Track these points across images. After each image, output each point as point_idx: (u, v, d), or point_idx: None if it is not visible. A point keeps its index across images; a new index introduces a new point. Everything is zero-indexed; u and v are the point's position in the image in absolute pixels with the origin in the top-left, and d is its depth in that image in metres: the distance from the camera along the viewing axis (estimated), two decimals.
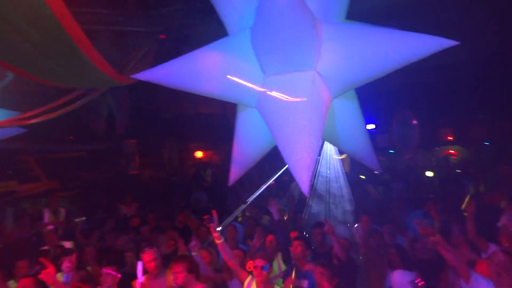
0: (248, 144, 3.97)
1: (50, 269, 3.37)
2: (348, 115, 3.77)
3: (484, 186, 8.14)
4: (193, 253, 4.30)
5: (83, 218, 7.48)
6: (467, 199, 4.91)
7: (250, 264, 3.90)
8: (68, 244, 5.72)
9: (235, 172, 4.24)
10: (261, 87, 3.34)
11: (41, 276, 3.43)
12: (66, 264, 4.25)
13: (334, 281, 3.62)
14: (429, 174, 12.44)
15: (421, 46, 3.02)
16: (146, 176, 13.64)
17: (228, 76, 3.31)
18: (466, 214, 4.55)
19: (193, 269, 3.65)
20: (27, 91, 7.34)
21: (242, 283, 4.09)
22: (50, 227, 7.71)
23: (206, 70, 3.32)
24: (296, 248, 4.33)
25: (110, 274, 3.99)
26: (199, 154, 15.28)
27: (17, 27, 2.60)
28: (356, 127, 3.87)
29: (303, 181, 2.89)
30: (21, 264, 4.82)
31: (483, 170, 9.59)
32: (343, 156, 15.20)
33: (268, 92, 3.25)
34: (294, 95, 3.15)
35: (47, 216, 7.77)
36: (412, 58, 3.08)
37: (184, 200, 9.41)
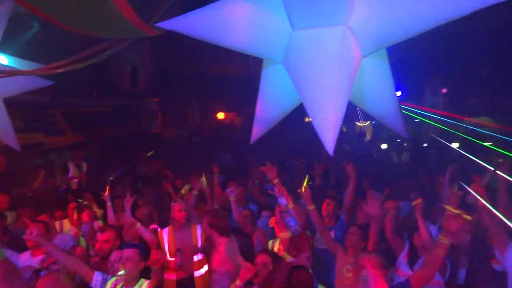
0: (272, 101, 3.89)
1: (33, 228, 3.45)
2: (378, 75, 3.61)
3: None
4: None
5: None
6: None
7: (272, 220, 4.21)
8: None
9: (257, 131, 4.19)
10: (289, 41, 3.22)
11: (25, 237, 3.51)
12: (85, 216, 4.44)
13: (363, 243, 3.69)
14: (455, 145, 12.15)
15: (464, 1, 2.80)
16: (168, 136, 13.80)
17: (255, 29, 3.20)
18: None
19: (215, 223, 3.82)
20: (51, 44, 7.39)
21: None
22: (75, 180, 8.02)
23: (232, 21, 3.20)
24: (328, 206, 4.51)
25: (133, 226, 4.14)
26: (221, 115, 15.29)
27: None
28: (385, 89, 3.71)
29: (328, 140, 2.82)
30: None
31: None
32: (366, 123, 14.99)
33: (296, 47, 3.14)
34: (323, 50, 3.03)
35: (72, 169, 8.05)
36: (453, 15, 2.87)
37: (206, 160, 9.49)
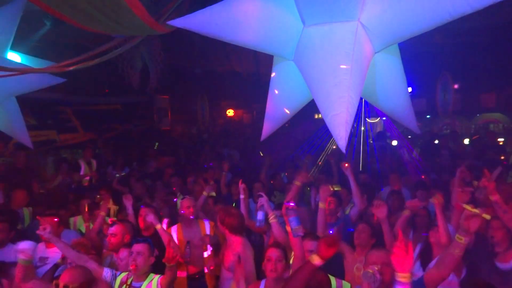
0: (282, 99, 3.88)
1: (46, 225, 3.49)
2: (390, 71, 3.58)
3: None
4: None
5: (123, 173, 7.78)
6: None
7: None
8: None
9: (267, 128, 4.19)
10: (301, 38, 3.20)
11: (38, 232, 3.54)
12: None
13: (372, 241, 3.62)
14: (466, 141, 12.00)
15: None
16: (177, 132, 13.87)
17: (266, 26, 3.19)
18: None
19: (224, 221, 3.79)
20: (63, 42, 7.46)
21: None
22: (87, 177, 8.08)
23: (243, 19, 3.20)
24: (330, 204, 4.44)
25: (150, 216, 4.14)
26: (230, 112, 15.32)
27: None
28: (397, 84, 3.68)
29: (340, 137, 2.80)
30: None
31: None
32: (376, 120, 14.89)
33: (308, 44, 3.12)
34: (335, 47, 3.01)
35: (83, 167, 8.11)
36: (466, 10, 2.83)
37: (215, 156, 9.50)
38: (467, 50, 10.15)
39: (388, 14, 3.02)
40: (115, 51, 4.36)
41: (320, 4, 3.00)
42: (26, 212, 5.50)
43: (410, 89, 11.72)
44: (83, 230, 5.09)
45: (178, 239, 4.27)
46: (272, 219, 3.62)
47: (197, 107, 14.02)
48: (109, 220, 4.73)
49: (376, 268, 2.61)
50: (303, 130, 12.11)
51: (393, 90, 3.68)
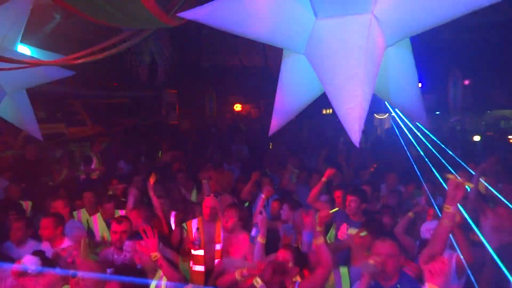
0: (292, 93, 3.82)
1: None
2: (402, 65, 3.50)
3: None
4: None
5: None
6: None
7: None
8: None
9: (276, 122, 4.14)
10: (312, 30, 3.15)
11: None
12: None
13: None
14: (477, 138, 11.84)
15: None
16: (185, 127, 13.88)
17: (277, 18, 3.14)
18: None
19: (243, 218, 3.82)
20: (72, 36, 7.46)
21: None
22: (96, 171, 8.10)
23: (254, 11, 3.15)
24: (351, 202, 4.37)
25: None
26: (237, 107, 15.28)
27: None
28: (408, 79, 3.60)
29: (354, 131, 2.78)
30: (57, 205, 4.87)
31: None
32: (385, 116, 14.74)
33: (320, 37, 3.07)
34: (348, 40, 2.96)
35: (94, 161, 8.13)
36: (482, 3, 2.76)
37: (223, 151, 9.47)
38: (478, 46, 10.02)
39: (402, 7, 2.97)
40: (124, 44, 4.34)
41: None
42: (23, 205, 5.52)
43: (420, 85, 11.60)
44: (91, 224, 5.10)
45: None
46: (260, 239, 3.67)
47: (205, 102, 14.01)
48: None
49: (378, 259, 2.62)
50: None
51: (404, 85, 3.61)
